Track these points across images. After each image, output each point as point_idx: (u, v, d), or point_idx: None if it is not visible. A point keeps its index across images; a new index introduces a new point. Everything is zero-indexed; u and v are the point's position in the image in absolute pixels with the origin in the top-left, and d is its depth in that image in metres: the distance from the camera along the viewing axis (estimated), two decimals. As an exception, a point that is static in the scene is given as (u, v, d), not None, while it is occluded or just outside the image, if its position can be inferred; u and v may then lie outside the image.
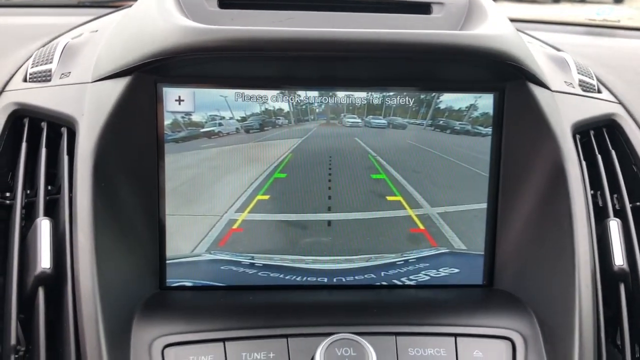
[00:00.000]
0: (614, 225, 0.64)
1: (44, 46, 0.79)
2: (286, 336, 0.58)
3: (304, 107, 0.66)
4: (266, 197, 0.66)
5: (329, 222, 0.68)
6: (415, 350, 0.58)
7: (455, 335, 0.60)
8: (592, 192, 0.68)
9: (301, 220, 0.67)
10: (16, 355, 0.54)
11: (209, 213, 0.67)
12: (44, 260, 0.56)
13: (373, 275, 0.68)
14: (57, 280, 0.57)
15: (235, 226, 0.67)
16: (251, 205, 0.67)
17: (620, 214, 0.67)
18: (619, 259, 0.62)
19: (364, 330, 0.58)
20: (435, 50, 0.60)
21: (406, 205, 0.68)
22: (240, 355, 0.57)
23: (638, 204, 0.69)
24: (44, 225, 0.57)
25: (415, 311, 0.63)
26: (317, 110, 0.66)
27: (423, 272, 0.69)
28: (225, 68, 0.64)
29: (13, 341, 0.54)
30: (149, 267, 0.65)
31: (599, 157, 0.71)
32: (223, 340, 0.58)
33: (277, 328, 0.59)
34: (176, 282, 0.67)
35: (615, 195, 0.69)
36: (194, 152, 0.66)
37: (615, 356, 0.62)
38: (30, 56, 0.76)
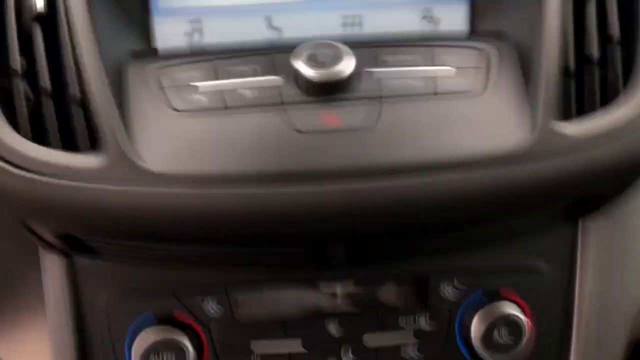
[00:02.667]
0: None
1: None
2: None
3: None
4: None
5: None
6: (393, 57, 0.61)
7: (434, 46, 0.63)
8: None
9: None
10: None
11: None
12: (38, 3, 0.60)
13: None
14: (52, 21, 0.61)
15: None
16: None
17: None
18: None
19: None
20: None
21: None
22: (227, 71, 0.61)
23: None
24: None
25: None
26: None
27: None
28: None
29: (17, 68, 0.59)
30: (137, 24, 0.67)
31: None
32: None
33: None
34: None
35: None
36: None
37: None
38: None
